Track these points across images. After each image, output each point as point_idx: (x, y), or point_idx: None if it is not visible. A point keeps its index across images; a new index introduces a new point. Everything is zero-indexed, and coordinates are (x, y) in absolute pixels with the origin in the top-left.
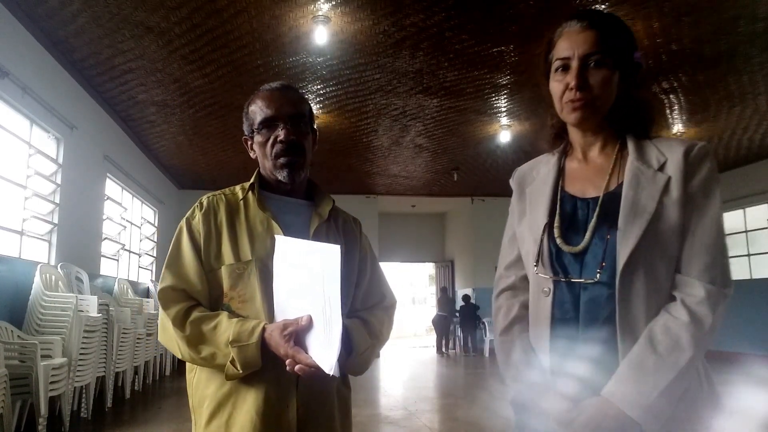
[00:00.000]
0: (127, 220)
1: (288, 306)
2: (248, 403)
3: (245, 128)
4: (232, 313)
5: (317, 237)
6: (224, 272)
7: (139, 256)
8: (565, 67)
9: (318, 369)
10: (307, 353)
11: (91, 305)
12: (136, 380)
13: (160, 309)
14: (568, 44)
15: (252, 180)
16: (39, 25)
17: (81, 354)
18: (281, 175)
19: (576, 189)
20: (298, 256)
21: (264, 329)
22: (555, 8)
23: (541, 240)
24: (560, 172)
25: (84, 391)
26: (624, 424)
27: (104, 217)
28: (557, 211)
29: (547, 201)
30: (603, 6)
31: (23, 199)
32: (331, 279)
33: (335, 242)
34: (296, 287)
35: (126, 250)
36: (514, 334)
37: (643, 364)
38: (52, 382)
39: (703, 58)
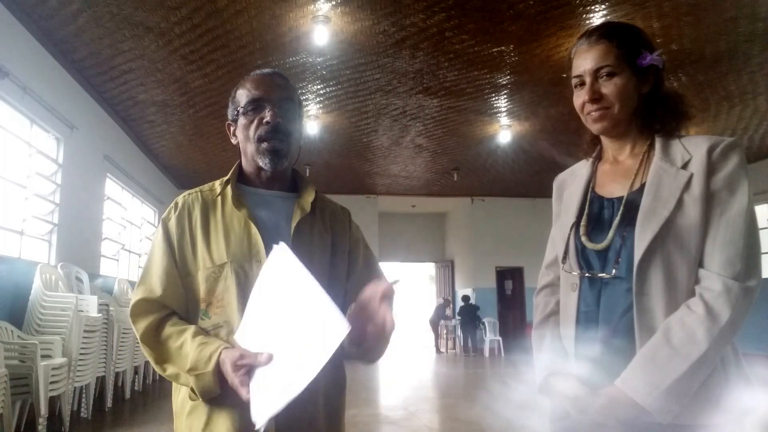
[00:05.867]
0: (127, 220)
1: (256, 322)
2: (224, 414)
3: (229, 113)
4: (209, 320)
5: (299, 233)
6: (200, 277)
7: (139, 256)
8: (582, 83)
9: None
10: (250, 388)
11: (91, 305)
12: (136, 380)
13: (131, 323)
14: (580, 61)
15: (229, 175)
16: (39, 25)
17: (81, 354)
18: (263, 161)
19: (604, 190)
20: (293, 283)
21: (220, 355)
22: (555, 8)
23: (568, 238)
24: (592, 176)
25: (84, 391)
26: (635, 412)
27: (104, 217)
28: (585, 212)
29: (577, 202)
30: (603, 6)
31: (23, 199)
32: (324, 348)
33: (321, 238)
34: (274, 311)
35: (126, 250)
36: (548, 327)
37: (656, 356)
38: (52, 382)
39: (703, 58)
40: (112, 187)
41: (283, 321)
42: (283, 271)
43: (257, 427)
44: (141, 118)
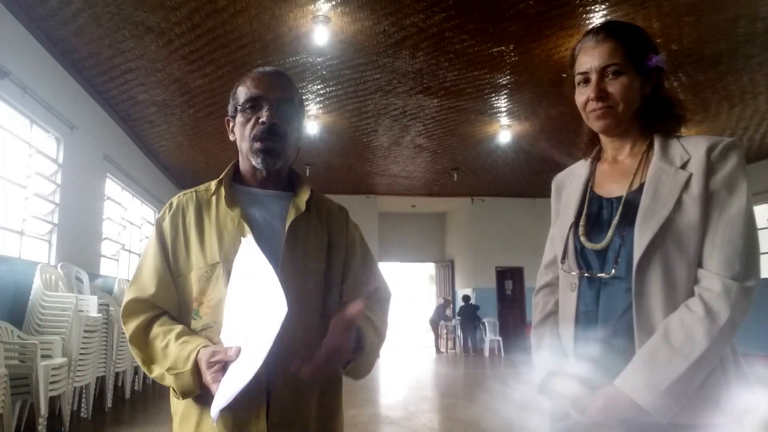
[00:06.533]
0: (127, 220)
1: (233, 318)
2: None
3: (230, 108)
4: (200, 320)
5: (294, 233)
6: (193, 277)
7: (139, 256)
8: (587, 81)
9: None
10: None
11: (91, 305)
12: (136, 380)
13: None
14: (587, 59)
15: (223, 174)
16: (39, 25)
17: (81, 354)
18: (255, 161)
19: (603, 190)
20: (256, 273)
21: (198, 353)
22: (555, 8)
23: (567, 238)
24: (591, 175)
25: (84, 391)
26: (634, 412)
27: (104, 217)
28: (584, 211)
29: (576, 202)
30: (603, 6)
31: (23, 199)
32: (267, 332)
33: (317, 238)
34: (245, 303)
35: (126, 250)
36: (547, 327)
37: (655, 356)
38: (52, 382)
39: (703, 58)
40: (112, 187)
41: (249, 313)
42: (249, 265)
43: (213, 419)
44: (141, 118)
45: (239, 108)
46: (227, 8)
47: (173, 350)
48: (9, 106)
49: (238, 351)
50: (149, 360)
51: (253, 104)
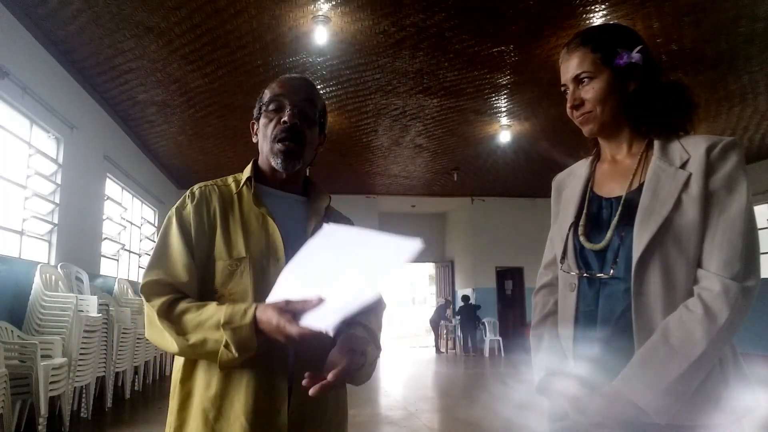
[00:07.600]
0: (127, 220)
1: (295, 281)
2: (236, 410)
3: (255, 111)
4: None
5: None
6: (217, 269)
7: (139, 256)
8: (567, 92)
9: (312, 333)
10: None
11: (91, 305)
12: (136, 380)
13: (144, 303)
14: (562, 71)
15: (248, 173)
16: (39, 25)
17: (81, 354)
18: (275, 161)
19: (603, 190)
20: (345, 238)
21: (257, 308)
22: (555, 8)
23: (567, 238)
24: (591, 175)
25: (84, 391)
26: (633, 412)
27: (104, 217)
28: (584, 211)
29: (576, 202)
30: (603, 6)
31: (23, 199)
32: (398, 257)
33: None
34: (320, 265)
35: (126, 250)
36: (546, 327)
37: (654, 356)
38: (52, 382)
39: (703, 58)
40: (112, 187)
41: (334, 265)
42: (331, 237)
43: (329, 330)
44: (141, 118)
45: (263, 108)
46: (227, 8)
47: (219, 311)
48: (9, 106)
49: (321, 299)
50: (183, 331)
51: (277, 105)
